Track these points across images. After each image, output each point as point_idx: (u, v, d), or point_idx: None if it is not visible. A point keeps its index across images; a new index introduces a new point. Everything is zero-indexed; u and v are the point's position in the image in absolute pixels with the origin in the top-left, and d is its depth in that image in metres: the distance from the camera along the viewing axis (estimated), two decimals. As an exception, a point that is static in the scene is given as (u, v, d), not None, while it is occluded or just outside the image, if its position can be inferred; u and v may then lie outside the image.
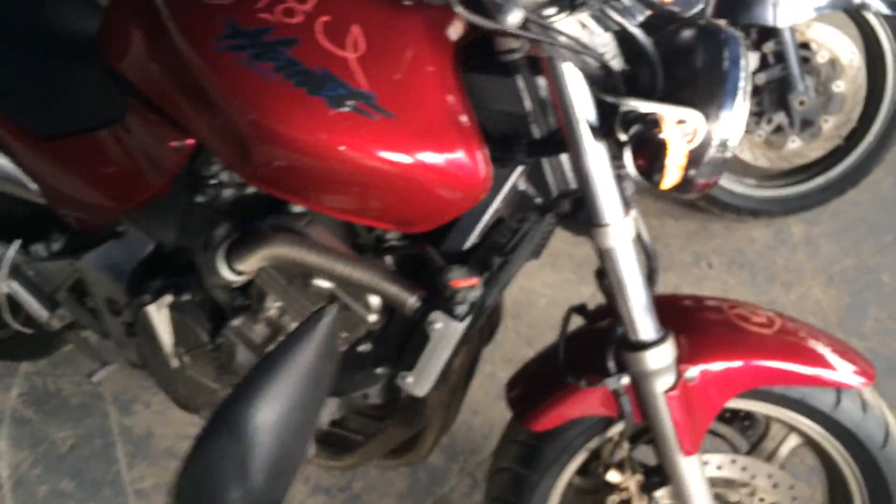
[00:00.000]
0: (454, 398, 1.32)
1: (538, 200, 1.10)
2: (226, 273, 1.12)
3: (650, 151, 0.87)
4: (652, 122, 0.87)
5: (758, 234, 2.23)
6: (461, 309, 1.02)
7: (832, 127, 2.09)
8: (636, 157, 0.89)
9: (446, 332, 1.04)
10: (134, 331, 1.36)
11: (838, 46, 2.02)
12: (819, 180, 2.19)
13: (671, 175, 0.86)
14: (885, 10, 1.97)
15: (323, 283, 1.11)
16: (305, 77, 0.98)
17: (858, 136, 2.15)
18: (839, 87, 2.04)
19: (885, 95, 2.09)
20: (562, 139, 1.03)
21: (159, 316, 1.27)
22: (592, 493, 1.28)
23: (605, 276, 1.22)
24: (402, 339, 1.13)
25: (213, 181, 1.18)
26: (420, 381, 1.10)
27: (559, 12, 0.87)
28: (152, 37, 1.12)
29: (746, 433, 1.29)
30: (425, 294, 1.05)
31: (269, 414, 0.98)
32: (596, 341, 1.16)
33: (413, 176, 1.01)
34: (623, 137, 0.92)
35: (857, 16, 2.06)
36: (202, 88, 1.05)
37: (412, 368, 1.09)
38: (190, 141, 1.15)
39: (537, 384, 1.19)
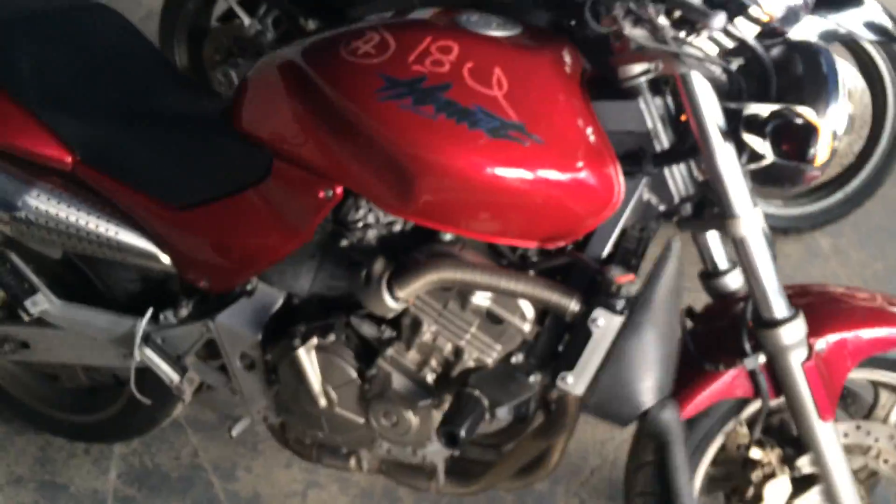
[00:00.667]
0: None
1: (661, 208, 1.24)
2: (390, 302, 1.22)
3: (794, 139, 1.02)
4: (787, 116, 1.02)
5: (790, 250, 2.40)
6: (621, 304, 1.14)
7: (846, 146, 2.29)
8: (778, 145, 1.04)
9: (608, 327, 1.15)
10: (275, 379, 1.45)
11: (842, 72, 2.24)
12: (838, 195, 2.38)
13: (823, 151, 1.01)
14: (872, 37, 2.19)
15: (481, 301, 1.22)
16: (464, 114, 1.12)
17: (868, 152, 2.36)
18: (849, 109, 2.25)
19: (888, 113, 2.31)
20: (682, 149, 1.18)
21: (308, 358, 1.36)
22: (724, 480, 1.38)
23: (710, 276, 1.36)
24: (554, 344, 1.24)
25: (359, 224, 1.30)
26: (580, 380, 1.20)
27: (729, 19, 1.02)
28: (295, 102, 1.26)
29: (849, 409, 1.41)
30: (581, 297, 1.17)
31: (658, 323, 1.18)
32: (716, 331, 1.28)
33: (562, 193, 1.15)
34: (747, 137, 1.08)
35: (849, 42, 2.29)
36: (364, 137, 1.18)
37: (572, 368, 1.19)
38: (339, 190, 1.27)
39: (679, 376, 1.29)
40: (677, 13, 1.05)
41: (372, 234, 1.31)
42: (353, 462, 1.58)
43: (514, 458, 1.47)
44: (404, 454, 1.49)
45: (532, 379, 1.26)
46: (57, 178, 1.46)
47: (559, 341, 1.23)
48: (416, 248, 1.26)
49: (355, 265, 1.35)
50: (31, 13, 1.50)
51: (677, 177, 1.21)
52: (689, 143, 1.18)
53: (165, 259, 1.48)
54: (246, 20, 2.56)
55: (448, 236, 1.25)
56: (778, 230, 2.37)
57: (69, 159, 1.43)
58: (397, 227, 1.30)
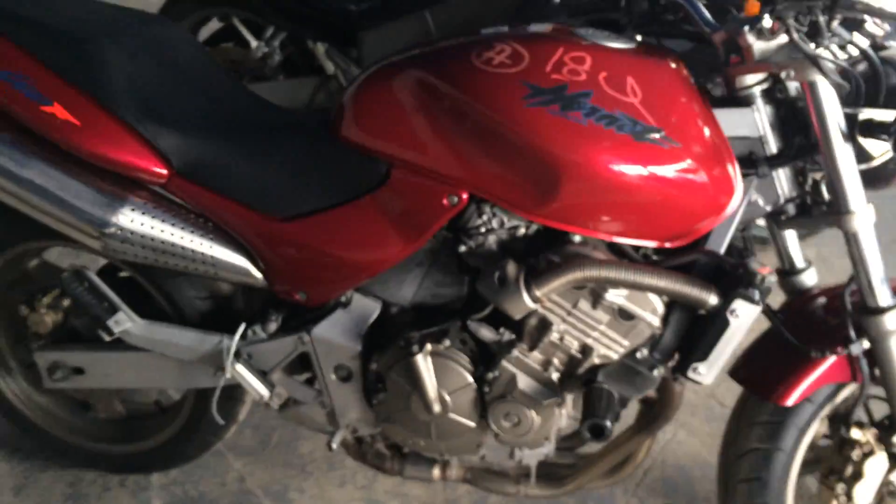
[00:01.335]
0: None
1: (767, 208, 1.33)
2: (528, 302, 1.26)
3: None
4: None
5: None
6: (759, 294, 1.22)
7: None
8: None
9: (747, 317, 1.23)
10: (381, 388, 1.45)
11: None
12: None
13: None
14: None
15: (614, 299, 1.28)
16: (610, 119, 1.19)
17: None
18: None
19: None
20: (789, 152, 1.29)
21: (426, 364, 1.38)
22: (815, 463, 1.48)
23: (788, 274, 1.47)
24: (679, 338, 1.31)
25: (482, 229, 1.33)
26: (711, 370, 1.27)
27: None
28: (422, 112, 1.29)
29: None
30: (717, 290, 1.24)
31: None
32: (814, 321, 1.39)
33: (693, 194, 1.23)
34: (863, 139, 1.20)
35: None
36: (506, 142, 1.22)
37: (705, 359, 1.26)
38: (465, 196, 1.30)
39: (772, 364, 1.38)
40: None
41: (493, 239, 1.34)
42: (436, 471, 1.59)
43: (611, 456, 1.52)
44: (499, 459, 1.52)
45: (655, 373, 1.32)
46: (146, 193, 1.43)
47: (684, 335, 1.30)
48: (542, 250, 1.31)
49: (467, 271, 1.39)
50: (113, 26, 1.47)
51: (782, 178, 1.31)
52: (795, 146, 1.28)
53: (257, 274, 1.46)
54: (253, 42, 2.56)
55: (577, 237, 1.30)
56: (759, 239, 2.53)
57: (165, 172, 1.39)
58: (521, 231, 1.33)
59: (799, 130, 1.28)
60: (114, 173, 1.41)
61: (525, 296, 1.25)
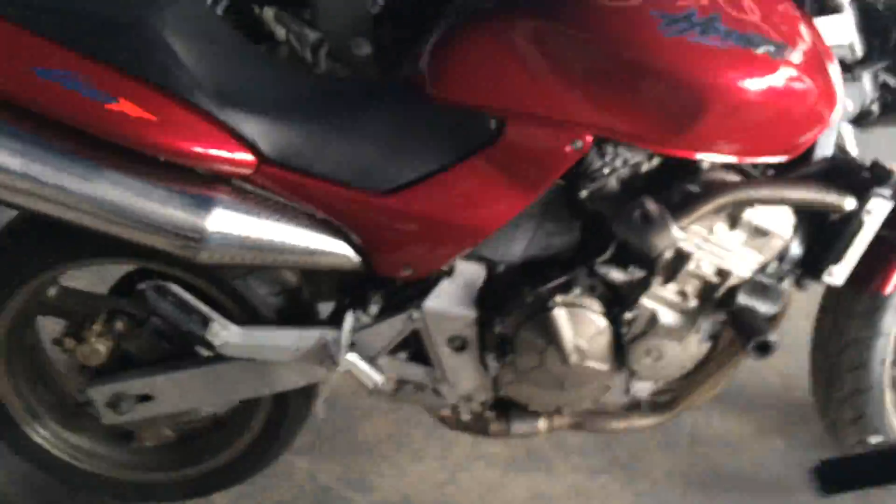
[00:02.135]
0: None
1: (856, 111, 1.39)
2: (677, 234, 1.25)
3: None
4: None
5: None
6: (890, 191, 1.28)
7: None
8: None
9: (880, 214, 1.28)
10: (510, 348, 1.40)
11: None
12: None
13: None
14: None
15: (751, 217, 1.29)
16: (746, 40, 1.19)
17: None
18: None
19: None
20: (875, 55, 1.35)
21: (563, 317, 1.34)
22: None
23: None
24: (807, 245, 1.35)
25: (605, 170, 1.30)
26: (845, 271, 1.33)
27: None
28: (541, 58, 1.23)
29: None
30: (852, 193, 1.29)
31: None
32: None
33: (817, 103, 1.26)
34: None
35: None
36: (641, 76, 1.19)
37: (839, 261, 1.32)
38: (589, 139, 1.26)
39: (868, 257, 1.45)
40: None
41: (614, 180, 1.32)
42: (542, 424, 1.57)
43: (716, 375, 1.56)
44: (616, 398, 1.52)
45: (786, 284, 1.37)
46: (228, 187, 1.28)
47: (811, 242, 1.35)
48: (668, 182, 1.30)
49: (578, 217, 1.36)
50: (139, 4, 1.28)
51: (866, 81, 1.38)
52: (878, 49, 1.34)
53: (355, 257, 1.36)
54: None
55: (705, 164, 1.30)
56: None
57: (253, 160, 1.25)
58: (643, 168, 1.32)
59: (878, 33, 1.34)
60: (188, 171, 1.25)
61: (674, 228, 1.25)
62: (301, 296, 1.50)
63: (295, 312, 1.47)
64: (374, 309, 1.41)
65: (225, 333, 1.35)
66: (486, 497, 1.78)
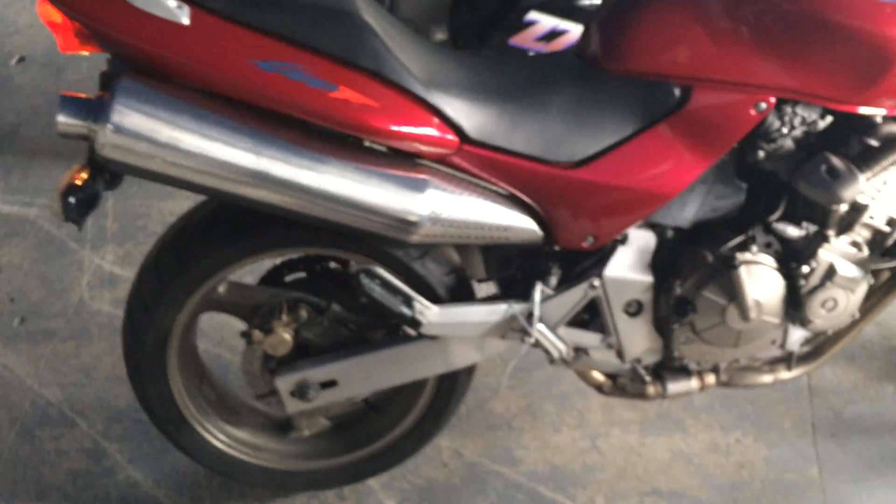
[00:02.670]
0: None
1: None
2: (864, 186, 1.32)
3: None
4: None
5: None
6: None
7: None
8: None
9: None
10: (690, 308, 1.46)
11: None
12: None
13: None
14: None
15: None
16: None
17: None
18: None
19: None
20: None
21: (747, 274, 1.41)
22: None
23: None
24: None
25: (784, 130, 1.36)
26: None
27: None
28: (728, 24, 1.29)
29: None
30: None
31: None
32: None
33: None
34: None
35: None
36: (833, 33, 1.26)
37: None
38: (773, 100, 1.32)
39: None
40: None
41: (790, 138, 1.38)
42: (694, 383, 1.63)
43: (868, 318, 1.63)
44: (769, 352, 1.59)
45: None
46: (432, 168, 1.31)
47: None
48: (842, 138, 1.37)
49: (746, 178, 1.42)
50: None
51: None
52: None
53: (539, 230, 1.40)
54: None
55: (879, 117, 1.37)
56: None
57: (455, 140, 1.29)
58: (818, 125, 1.38)
59: None
60: (393, 155, 1.28)
61: (862, 180, 1.32)
62: (464, 274, 1.54)
63: (461, 291, 1.51)
64: (553, 280, 1.46)
65: (428, 313, 1.38)
66: (629, 460, 1.84)
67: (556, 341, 1.47)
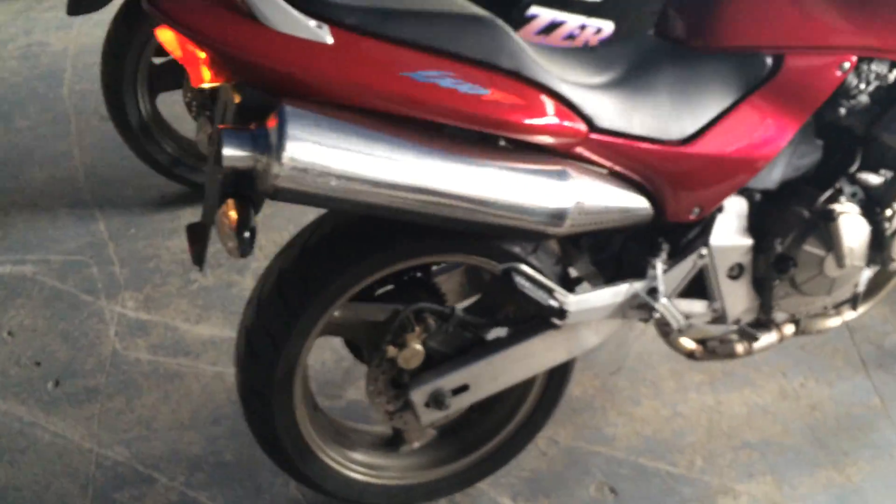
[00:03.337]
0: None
1: None
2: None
3: None
4: None
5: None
6: None
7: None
8: None
9: None
10: (790, 265, 1.55)
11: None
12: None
13: None
14: None
15: None
16: None
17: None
18: None
19: None
20: None
21: (845, 224, 1.51)
22: None
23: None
24: None
25: (862, 86, 1.47)
26: None
27: None
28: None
29: None
30: None
31: None
32: None
33: None
34: None
35: None
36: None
37: None
38: (854, 59, 1.43)
39: None
40: None
41: (866, 94, 1.49)
42: (774, 335, 1.74)
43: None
44: (841, 296, 1.71)
45: None
46: (566, 160, 1.34)
47: None
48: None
49: (821, 136, 1.53)
50: None
51: None
52: None
53: (651, 210, 1.46)
54: None
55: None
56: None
57: (585, 130, 1.32)
58: (890, 79, 1.50)
59: None
60: (527, 151, 1.30)
61: None
62: (564, 263, 1.58)
63: (566, 280, 1.55)
64: (663, 255, 1.52)
65: (568, 301, 1.41)
66: (713, 420, 1.93)
67: (676, 313, 1.53)
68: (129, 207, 2.60)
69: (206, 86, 1.19)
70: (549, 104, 1.27)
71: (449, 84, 1.18)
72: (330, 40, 1.14)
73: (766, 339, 1.72)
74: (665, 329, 1.59)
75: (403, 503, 1.70)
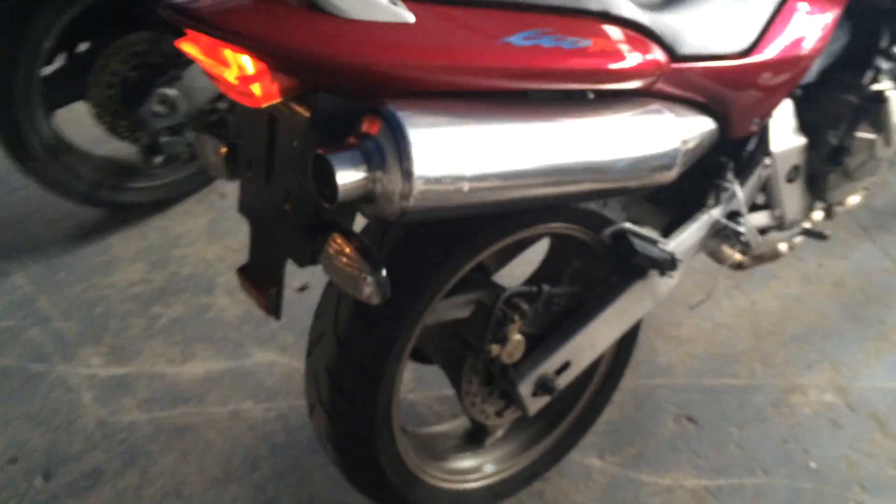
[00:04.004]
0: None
1: None
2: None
3: None
4: None
5: None
6: None
7: None
8: None
9: None
10: (845, 153, 1.52)
11: None
12: None
13: None
14: None
15: None
16: None
17: None
18: None
19: None
20: None
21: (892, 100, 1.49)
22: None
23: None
24: None
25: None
26: None
27: None
28: None
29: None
30: None
31: None
32: None
33: None
34: None
35: None
36: None
37: None
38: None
39: None
40: None
41: None
42: (808, 225, 1.73)
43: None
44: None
45: None
46: (649, 100, 1.20)
47: None
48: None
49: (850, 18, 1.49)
50: None
51: None
52: None
53: (717, 130, 1.36)
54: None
55: None
56: None
57: (668, 60, 1.18)
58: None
59: None
60: (621, 99, 1.16)
61: None
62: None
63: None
64: (728, 175, 1.44)
65: (670, 248, 1.30)
66: (753, 321, 1.92)
67: (757, 235, 1.46)
68: (46, 248, 2.21)
69: (266, 105, 0.94)
70: (641, 41, 1.12)
71: (551, 43, 1.00)
72: (412, 18, 0.93)
73: (800, 234, 1.70)
74: (745, 247, 1.52)
75: (510, 494, 1.57)
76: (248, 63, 0.91)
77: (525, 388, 1.34)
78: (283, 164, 1.05)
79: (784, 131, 1.47)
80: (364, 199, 0.92)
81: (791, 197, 1.54)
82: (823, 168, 1.53)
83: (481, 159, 0.95)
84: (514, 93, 1.02)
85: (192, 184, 2.32)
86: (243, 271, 1.16)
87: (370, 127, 0.91)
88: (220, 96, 2.10)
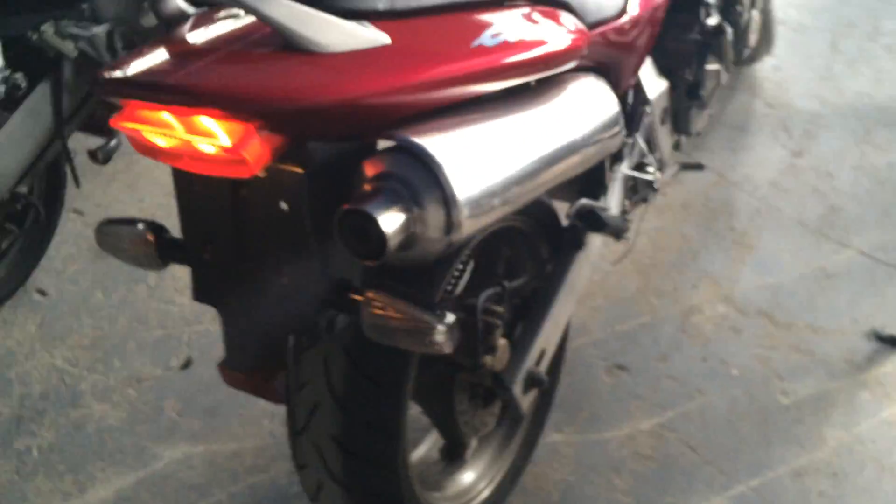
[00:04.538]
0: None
1: None
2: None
3: None
4: None
5: None
6: None
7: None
8: None
9: None
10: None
11: None
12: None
13: None
14: None
15: None
16: None
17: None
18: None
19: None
20: None
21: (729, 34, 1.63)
22: None
23: None
24: None
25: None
26: None
27: None
28: None
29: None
30: None
31: None
32: None
33: None
34: None
35: None
36: None
37: None
38: None
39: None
40: None
41: None
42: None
43: None
44: None
45: None
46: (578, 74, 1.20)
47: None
48: None
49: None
50: None
51: None
52: None
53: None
54: None
55: None
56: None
57: (586, 29, 1.19)
58: None
59: None
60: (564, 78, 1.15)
61: None
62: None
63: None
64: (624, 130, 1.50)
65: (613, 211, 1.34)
66: (632, 259, 2.04)
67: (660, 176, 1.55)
68: None
69: (261, 173, 0.82)
70: (570, 18, 1.12)
71: (514, 37, 0.97)
72: (388, 39, 0.85)
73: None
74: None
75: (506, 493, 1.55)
76: (231, 129, 0.78)
77: (517, 388, 1.31)
78: (262, 235, 0.92)
79: (652, 79, 1.56)
80: (403, 244, 0.83)
81: (665, 138, 1.65)
82: (684, 104, 1.65)
83: (502, 163, 0.91)
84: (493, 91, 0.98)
85: (0, 291, 1.97)
86: (227, 366, 1.01)
87: (385, 165, 0.83)
88: (21, 180, 1.79)
